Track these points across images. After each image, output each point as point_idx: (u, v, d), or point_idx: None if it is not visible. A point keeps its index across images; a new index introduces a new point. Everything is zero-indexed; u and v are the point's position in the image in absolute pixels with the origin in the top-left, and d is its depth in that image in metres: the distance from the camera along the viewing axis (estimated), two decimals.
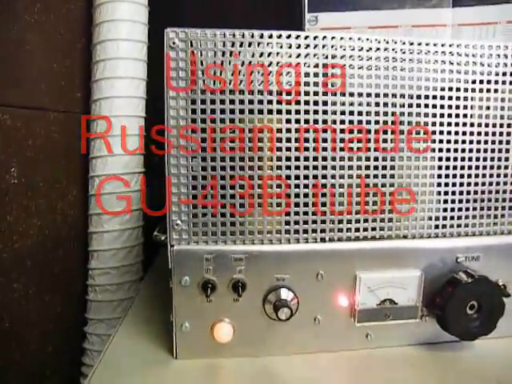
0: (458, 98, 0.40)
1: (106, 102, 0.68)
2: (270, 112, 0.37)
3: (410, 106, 0.40)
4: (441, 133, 0.40)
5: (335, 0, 0.75)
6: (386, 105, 0.39)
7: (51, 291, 0.66)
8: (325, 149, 0.38)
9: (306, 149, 0.38)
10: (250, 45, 0.37)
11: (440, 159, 0.41)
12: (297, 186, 0.38)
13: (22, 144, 0.60)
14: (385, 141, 0.39)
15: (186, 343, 0.39)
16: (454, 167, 0.41)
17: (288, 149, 0.38)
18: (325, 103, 0.38)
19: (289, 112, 0.37)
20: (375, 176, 0.39)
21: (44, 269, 0.65)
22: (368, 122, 0.39)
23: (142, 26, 0.71)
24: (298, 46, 0.37)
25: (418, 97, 0.40)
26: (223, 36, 0.36)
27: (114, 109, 0.68)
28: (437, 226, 0.41)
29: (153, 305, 0.50)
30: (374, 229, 0.40)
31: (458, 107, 0.40)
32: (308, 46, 0.37)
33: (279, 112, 0.37)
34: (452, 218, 0.41)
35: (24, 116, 0.60)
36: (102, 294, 0.69)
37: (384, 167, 0.39)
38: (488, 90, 0.41)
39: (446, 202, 0.41)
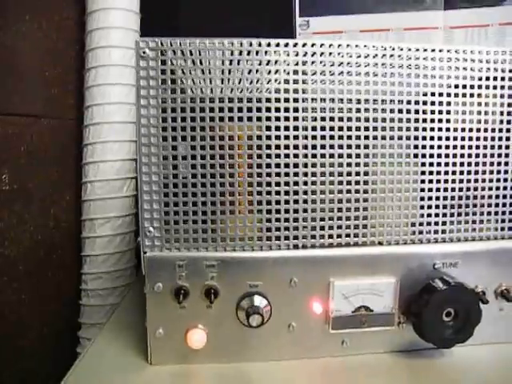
0: (433, 103, 0.40)
1: (98, 109, 0.69)
2: (240, 119, 0.37)
3: (384, 111, 0.39)
4: (416, 138, 0.40)
5: (326, 4, 0.75)
6: (358, 110, 0.39)
7: (44, 296, 0.67)
8: (296, 155, 0.38)
9: (278, 155, 0.38)
10: (223, 53, 0.37)
11: (416, 164, 0.40)
12: (268, 193, 0.38)
13: (14, 151, 0.61)
14: (360, 147, 0.39)
15: (160, 349, 0.39)
16: (430, 172, 0.40)
17: (259, 156, 0.38)
18: (295, 110, 0.38)
19: (259, 119, 0.38)
20: (348, 182, 0.39)
21: (37, 274, 0.66)
22: (340, 129, 0.39)
23: (133, 34, 0.72)
24: (266, 53, 0.37)
25: (392, 102, 0.40)
26: (195, 44, 0.37)
27: (105, 115, 0.69)
28: (413, 232, 0.41)
29: (137, 310, 0.50)
30: (348, 235, 0.40)
31: (433, 112, 0.40)
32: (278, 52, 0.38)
33: (249, 119, 0.38)
34: (429, 223, 0.41)
35: (15, 123, 0.61)
36: (95, 298, 0.70)
37: (357, 173, 0.39)
38: (464, 95, 0.41)
39: (423, 207, 0.41)
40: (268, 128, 0.38)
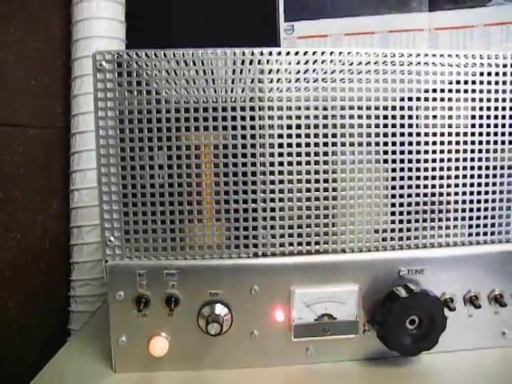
0: (401, 109, 0.40)
1: (84, 117, 0.70)
2: (196, 129, 0.38)
3: (351, 117, 0.39)
4: (385, 144, 0.40)
5: (311, 8, 0.75)
6: (325, 117, 0.39)
7: (33, 303, 0.68)
8: (253, 164, 0.38)
9: (235, 164, 0.38)
10: (177, 63, 0.37)
11: (384, 170, 0.40)
12: (227, 202, 0.38)
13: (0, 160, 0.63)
14: (327, 154, 0.39)
15: (124, 357, 0.39)
16: (393, 178, 0.40)
17: (216, 165, 0.38)
18: (252, 118, 0.38)
19: (215, 128, 0.38)
20: (308, 190, 0.39)
21: (25, 281, 0.67)
22: (307, 135, 0.39)
23: (119, 43, 0.73)
24: (225, 62, 0.38)
25: (359, 108, 0.39)
26: (155, 57, 0.37)
27: (91, 123, 0.69)
28: (378, 239, 0.41)
29: None
30: (309, 243, 0.40)
31: (402, 117, 0.40)
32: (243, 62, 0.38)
33: (206, 128, 0.38)
34: (393, 230, 0.41)
35: (1, 132, 0.62)
36: (83, 304, 0.71)
37: (319, 180, 0.39)
38: (434, 99, 0.40)
39: (387, 214, 0.41)
40: (234, 137, 0.38)
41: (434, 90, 0.40)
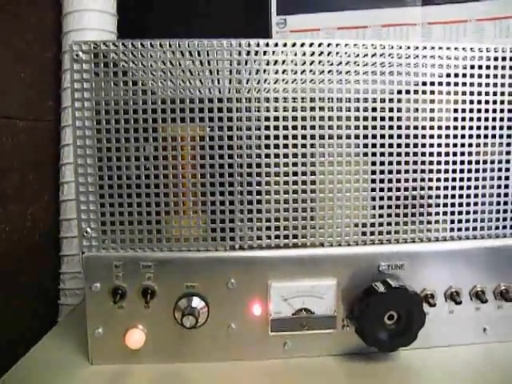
0: (382, 101, 0.39)
1: None
2: (173, 120, 0.37)
3: (330, 109, 0.39)
4: (365, 137, 0.39)
5: (303, 2, 0.75)
6: (303, 109, 0.38)
7: (22, 296, 0.68)
8: (230, 156, 0.38)
9: (212, 156, 0.38)
10: (151, 55, 0.37)
11: (366, 163, 0.40)
12: (203, 194, 0.38)
13: None
14: (306, 146, 0.39)
15: (100, 349, 0.39)
16: (374, 172, 0.40)
17: (193, 157, 0.38)
18: (229, 110, 0.38)
19: (192, 120, 0.37)
20: (285, 182, 0.39)
21: (14, 273, 0.67)
22: (285, 128, 0.38)
23: (110, 35, 0.73)
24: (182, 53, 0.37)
25: (339, 100, 0.39)
26: (132, 47, 0.37)
27: None
28: (357, 233, 0.40)
29: None
30: (286, 237, 0.39)
31: (382, 110, 0.39)
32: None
33: (183, 120, 0.37)
34: (373, 224, 0.40)
35: None
36: (72, 297, 0.71)
37: (295, 173, 0.39)
38: (416, 92, 0.40)
39: (367, 208, 0.40)
40: (211, 128, 0.38)
41: (417, 84, 0.40)
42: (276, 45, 0.37)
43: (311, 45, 0.38)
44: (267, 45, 0.37)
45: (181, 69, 0.37)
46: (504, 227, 0.42)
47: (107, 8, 0.71)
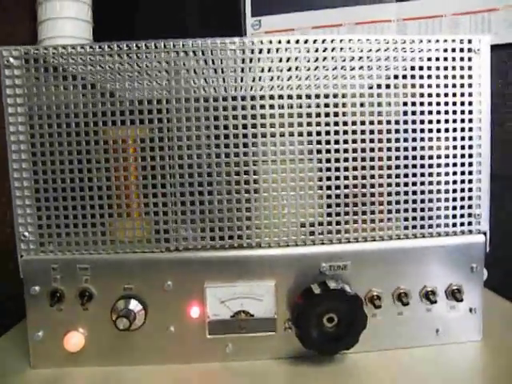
0: (326, 97, 0.38)
1: None
2: (104, 123, 0.38)
3: (272, 107, 0.38)
4: (300, 134, 0.39)
5: (277, 2, 0.74)
6: (234, 108, 0.38)
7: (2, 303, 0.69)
8: (162, 157, 0.38)
9: (143, 158, 0.38)
10: (82, 58, 0.37)
11: (305, 162, 0.39)
12: (137, 196, 0.38)
13: None
14: (246, 145, 0.38)
15: (40, 352, 0.40)
16: (310, 170, 0.39)
17: (125, 159, 0.38)
18: (159, 111, 0.38)
19: (122, 122, 0.38)
20: (218, 183, 0.38)
21: None
22: (226, 127, 0.38)
23: (84, 43, 0.74)
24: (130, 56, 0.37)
25: (280, 97, 0.38)
26: (58, 51, 0.37)
27: None
28: (296, 234, 0.39)
29: None
30: (222, 238, 0.39)
31: (326, 105, 0.38)
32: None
33: (114, 123, 0.38)
34: (312, 224, 0.39)
35: None
36: None
37: (228, 173, 0.38)
38: (362, 86, 0.39)
39: (306, 207, 0.39)
40: (144, 131, 0.38)
41: (361, 76, 0.39)
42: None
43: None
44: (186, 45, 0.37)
45: (120, 71, 0.37)
46: (453, 225, 0.40)
47: (81, 15, 0.72)
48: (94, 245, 0.39)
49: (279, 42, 0.37)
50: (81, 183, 0.38)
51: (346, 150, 0.39)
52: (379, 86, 0.39)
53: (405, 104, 0.40)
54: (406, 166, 0.39)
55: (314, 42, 0.38)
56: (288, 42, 0.38)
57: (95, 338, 0.39)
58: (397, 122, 0.40)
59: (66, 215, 0.38)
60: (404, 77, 0.40)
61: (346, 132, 0.39)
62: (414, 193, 0.40)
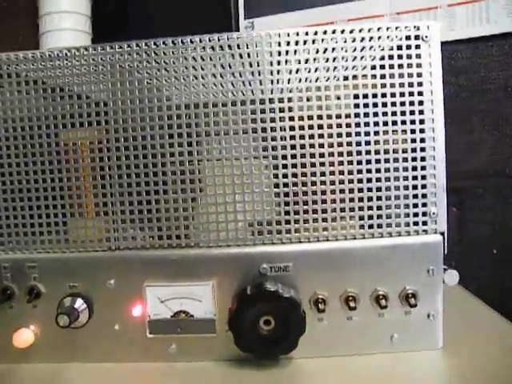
0: (280, 91, 0.38)
1: None
2: (47, 127, 0.39)
3: (215, 105, 0.38)
4: (245, 132, 0.38)
5: (270, 3, 0.74)
6: (178, 107, 0.38)
7: None
8: (101, 159, 0.38)
9: (94, 159, 0.39)
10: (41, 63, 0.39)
11: (251, 160, 0.38)
12: (79, 197, 0.39)
13: None
14: (190, 144, 0.38)
15: None
16: (251, 168, 0.38)
17: (67, 161, 0.39)
18: (105, 113, 0.38)
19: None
20: (155, 183, 0.38)
21: None
22: (170, 126, 0.38)
23: (84, 35, 0.77)
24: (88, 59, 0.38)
25: (224, 95, 0.38)
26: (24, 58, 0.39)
27: None
28: (235, 233, 0.38)
29: None
30: (160, 237, 0.39)
31: (281, 100, 0.38)
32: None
33: (56, 126, 0.39)
34: (251, 224, 0.38)
35: None
36: None
37: (164, 173, 0.38)
38: (317, 80, 0.38)
39: (245, 206, 0.38)
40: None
41: (310, 70, 0.38)
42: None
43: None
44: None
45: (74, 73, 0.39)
46: (407, 224, 0.38)
47: (79, 9, 0.75)
48: (41, 244, 0.40)
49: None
50: (27, 185, 0.39)
51: (293, 147, 0.38)
52: (327, 79, 0.38)
53: (356, 97, 0.38)
54: (359, 162, 0.37)
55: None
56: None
57: (44, 335, 0.40)
58: (347, 116, 0.38)
59: (14, 215, 0.40)
60: (353, 67, 0.38)
61: (292, 128, 0.38)
62: (360, 190, 0.38)
